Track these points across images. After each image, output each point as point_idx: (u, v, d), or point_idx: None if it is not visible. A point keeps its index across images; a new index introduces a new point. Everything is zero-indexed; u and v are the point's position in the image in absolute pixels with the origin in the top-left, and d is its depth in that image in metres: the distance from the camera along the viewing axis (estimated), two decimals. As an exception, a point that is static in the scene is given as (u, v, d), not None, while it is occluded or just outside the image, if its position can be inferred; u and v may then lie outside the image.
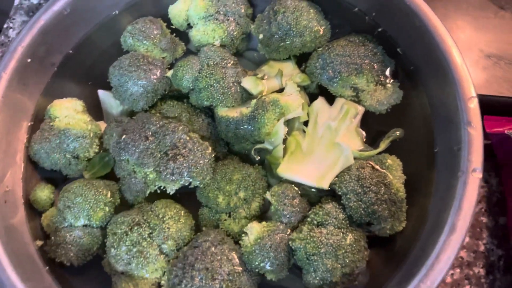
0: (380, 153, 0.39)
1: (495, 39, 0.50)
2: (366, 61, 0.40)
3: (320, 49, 0.43)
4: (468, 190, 0.31)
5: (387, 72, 0.41)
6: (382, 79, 0.41)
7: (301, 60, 0.44)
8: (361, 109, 0.40)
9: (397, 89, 0.41)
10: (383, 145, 0.38)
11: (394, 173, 0.37)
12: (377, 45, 0.42)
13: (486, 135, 0.47)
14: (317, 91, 0.43)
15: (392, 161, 0.37)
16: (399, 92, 0.41)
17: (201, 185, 0.38)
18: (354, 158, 0.37)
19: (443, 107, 0.36)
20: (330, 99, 0.42)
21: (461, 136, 0.33)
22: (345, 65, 0.40)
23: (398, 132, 0.39)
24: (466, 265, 0.45)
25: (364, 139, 0.40)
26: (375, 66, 0.40)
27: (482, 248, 0.46)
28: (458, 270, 0.45)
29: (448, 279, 0.44)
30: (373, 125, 0.41)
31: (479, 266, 0.45)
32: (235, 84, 0.40)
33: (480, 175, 0.32)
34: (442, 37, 0.37)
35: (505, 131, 0.46)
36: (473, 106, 0.34)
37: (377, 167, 0.36)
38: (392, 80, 0.41)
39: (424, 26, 0.38)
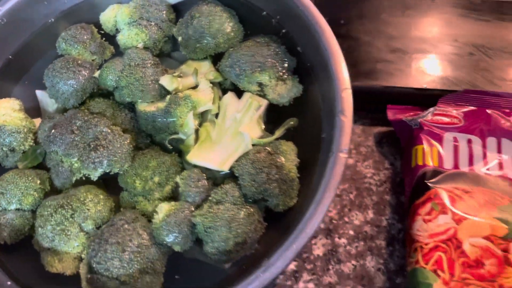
0: (278, 140, 0.44)
1: (400, 35, 0.56)
2: (269, 59, 0.46)
3: (232, 49, 0.48)
4: (335, 168, 0.37)
5: (288, 69, 0.46)
6: (283, 75, 0.46)
7: (218, 59, 0.50)
8: (264, 102, 0.46)
9: (297, 84, 0.46)
10: (277, 133, 0.44)
11: (288, 156, 0.42)
12: (280, 45, 0.47)
13: (389, 122, 0.53)
14: (232, 87, 0.48)
15: (286, 146, 0.43)
16: (299, 86, 0.46)
17: (121, 172, 0.43)
18: (253, 145, 0.43)
19: (327, 98, 0.42)
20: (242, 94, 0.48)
21: (335, 122, 0.39)
22: (250, 64, 0.45)
23: (292, 122, 0.45)
24: (370, 238, 0.51)
25: (263, 127, 0.45)
26: (277, 64, 0.46)
27: (384, 223, 0.51)
28: (362, 243, 0.50)
29: (353, 251, 0.50)
30: (278, 116, 0.46)
31: (381, 239, 0.51)
32: (154, 82, 0.46)
33: (346, 155, 0.37)
34: (326, 36, 0.42)
35: (403, 118, 0.51)
36: (345, 96, 0.39)
37: (271, 150, 0.42)
38: (292, 76, 0.46)
39: (312, 26, 0.43)
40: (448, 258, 0.42)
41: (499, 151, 0.48)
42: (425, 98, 0.51)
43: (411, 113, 0.51)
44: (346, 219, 0.52)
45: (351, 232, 0.51)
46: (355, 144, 0.56)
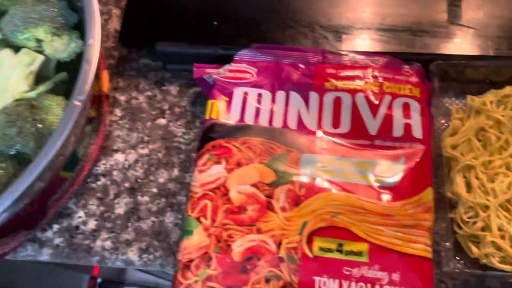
0: (46, 94, 0.44)
1: None
2: (46, 14, 0.45)
3: (13, 7, 0.47)
4: (66, 115, 0.37)
5: (67, 24, 0.46)
6: (59, 30, 0.45)
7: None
8: (39, 58, 0.45)
9: (75, 39, 0.46)
10: (41, 87, 0.44)
11: (53, 110, 0.42)
12: (59, 1, 0.47)
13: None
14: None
15: (52, 101, 0.42)
16: (78, 41, 0.46)
17: None
18: (17, 100, 0.42)
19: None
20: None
21: (80, 72, 0.39)
22: (24, 19, 0.45)
23: (62, 76, 0.45)
24: (172, 195, 0.51)
25: (32, 82, 0.45)
26: (55, 19, 0.45)
27: (188, 179, 0.52)
28: (164, 200, 0.51)
29: (154, 208, 0.50)
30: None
31: (182, 195, 0.51)
32: None
33: (79, 103, 0.37)
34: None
35: (203, 76, 0.52)
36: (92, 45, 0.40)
37: (35, 104, 0.41)
38: (70, 31, 0.46)
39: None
40: (213, 205, 0.43)
41: (286, 103, 0.49)
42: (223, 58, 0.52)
43: (212, 71, 0.52)
44: (151, 177, 0.52)
45: (155, 190, 0.51)
46: (170, 105, 0.56)
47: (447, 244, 0.47)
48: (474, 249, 0.44)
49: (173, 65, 0.56)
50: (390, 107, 0.47)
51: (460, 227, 0.46)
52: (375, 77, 0.49)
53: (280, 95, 0.49)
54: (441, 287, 0.46)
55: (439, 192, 0.47)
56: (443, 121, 0.53)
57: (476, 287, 0.45)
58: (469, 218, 0.45)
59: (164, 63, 0.57)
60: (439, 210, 0.47)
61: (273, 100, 0.49)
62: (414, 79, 0.49)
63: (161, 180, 0.52)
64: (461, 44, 0.52)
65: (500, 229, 0.44)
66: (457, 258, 0.46)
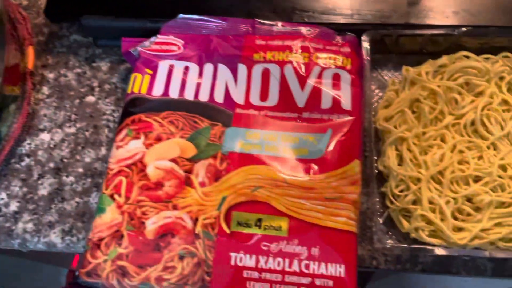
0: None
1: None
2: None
3: None
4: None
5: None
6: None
7: None
8: None
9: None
10: None
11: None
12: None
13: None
14: None
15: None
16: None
17: None
18: None
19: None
20: None
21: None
22: None
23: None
24: (98, 175, 0.49)
25: None
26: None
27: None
28: (90, 180, 0.49)
29: (79, 188, 0.48)
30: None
31: (109, 174, 0.49)
32: None
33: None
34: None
35: (130, 50, 0.49)
36: None
37: None
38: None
39: None
40: (128, 182, 0.41)
41: (214, 76, 0.46)
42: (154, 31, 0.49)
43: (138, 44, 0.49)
44: (77, 157, 0.50)
45: (81, 170, 0.49)
46: (99, 82, 0.53)
47: (379, 219, 0.45)
48: (405, 223, 0.43)
49: (104, 40, 0.54)
50: (319, 78, 0.45)
51: (392, 202, 0.44)
52: (305, 48, 0.46)
53: (208, 67, 0.47)
54: (373, 264, 0.44)
55: (376, 166, 0.46)
56: (381, 94, 0.51)
57: (408, 262, 0.44)
58: (401, 191, 0.44)
59: (94, 39, 0.54)
60: (372, 184, 0.46)
61: (201, 73, 0.47)
62: (346, 49, 0.47)
63: (87, 159, 0.49)
64: (398, 14, 0.50)
65: (431, 202, 0.42)
66: (390, 233, 0.45)
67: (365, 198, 0.46)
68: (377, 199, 0.46)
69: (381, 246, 0.43)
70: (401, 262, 0.44)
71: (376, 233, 0.44)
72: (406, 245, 0.42)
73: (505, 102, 0.46)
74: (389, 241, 0.44)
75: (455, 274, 0.44)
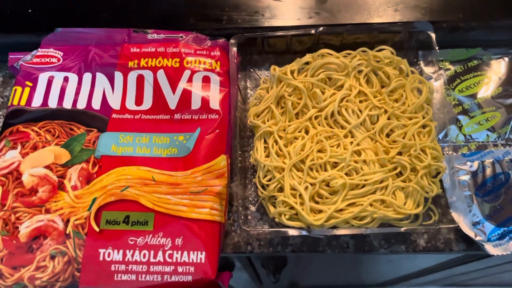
0: None
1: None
2: None
3: None
4: None
5: None
6: None
7: None
8: None
9: None
10: None
11: None
12: None
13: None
14: None
15: None
16: None
17: None
18: None
19: None
20: None
21: None
22: None
23: None
24: None
25: None
26: None
27: None
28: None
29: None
30: None
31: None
32: None
33: None
34: None
35: (14, 64, 0.51)
36: None
37: None
38: None
39: None
40: (4, 190, 0.43)
41: (92, 85, 0.49)
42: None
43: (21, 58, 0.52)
44: None
45: None
46: (-8, 96, 0.55)
47: (252, 207, 0.49)
48: (271, 209, 0.47)
49: (-3, 56, 0.56)
50: (190, 81, 0.49)
51: (262, 192, 0.48)
52: (176, 53, 0.50)
53: (87, 77, 0.50)
54: (248, 249, 0.48)
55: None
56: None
57: (279, 245, 0.48)
58: (268, 181, 0.47)
59: (-16, 54, 0.56)
60: (246, 176, 0.50)
61: (80, 83, 0.49)
62: (216, 53, 0.50)
63: None
64: (265, 18, 0.54)
65: (293, 189, 0.46)
66: (264, 220, 0.49)
67: (243, 188, 0.50)
68: (253, 189, 0.50)
69: (255, 232, 0.47)
70: (273, 246, 0.48)
71: (250, 221, 0.48)
72: (269, 229, 0.46)
73: (363, 93, 0.50)
74: (262, 227, 0.48)
75: (321, 252, 0.48)
